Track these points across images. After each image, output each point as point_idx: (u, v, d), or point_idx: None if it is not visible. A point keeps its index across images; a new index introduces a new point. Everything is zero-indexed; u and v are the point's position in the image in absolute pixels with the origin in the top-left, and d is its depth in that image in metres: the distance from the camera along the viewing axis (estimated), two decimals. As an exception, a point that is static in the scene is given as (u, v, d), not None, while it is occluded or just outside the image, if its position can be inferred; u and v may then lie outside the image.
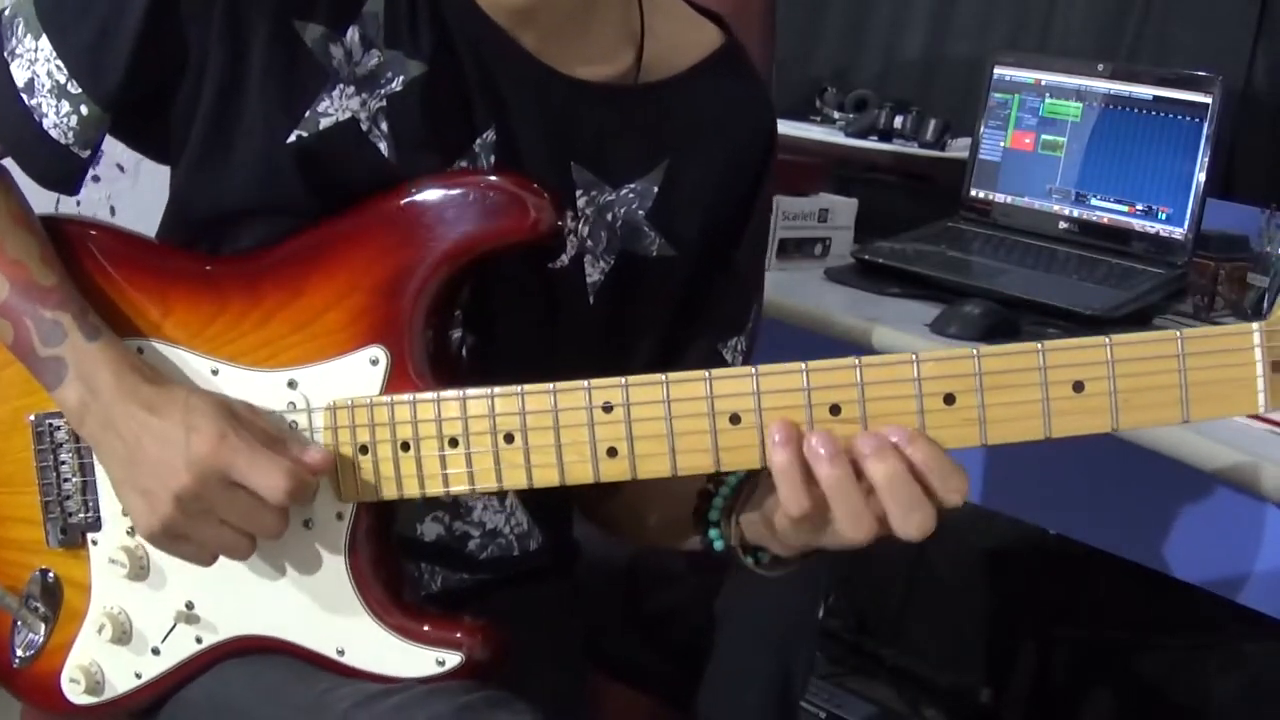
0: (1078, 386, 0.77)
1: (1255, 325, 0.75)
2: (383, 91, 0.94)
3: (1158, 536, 1.51)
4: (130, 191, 1.05)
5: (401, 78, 0.94)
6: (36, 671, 1.02)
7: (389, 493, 0.90)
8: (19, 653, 1.03)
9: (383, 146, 0.94)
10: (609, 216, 1.02)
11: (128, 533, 0.97)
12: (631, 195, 1.03)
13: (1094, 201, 1.79)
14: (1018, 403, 0.78)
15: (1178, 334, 0.76)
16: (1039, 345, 0.78)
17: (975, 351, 0.78)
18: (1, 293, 0.93)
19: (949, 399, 0.79)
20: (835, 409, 0.80)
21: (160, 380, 0.92)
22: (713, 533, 0.92)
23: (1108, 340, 0.77)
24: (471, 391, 0.87)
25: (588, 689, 1.15)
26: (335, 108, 0.93)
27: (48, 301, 0.93)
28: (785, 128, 2.12)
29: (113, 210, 1.06)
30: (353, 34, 0.94)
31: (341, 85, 0.93)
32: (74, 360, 0.91)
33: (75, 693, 1.00)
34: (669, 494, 0.96)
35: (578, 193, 1.01)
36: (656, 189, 1.04)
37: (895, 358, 0.80)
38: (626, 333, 1.05)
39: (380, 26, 0.94)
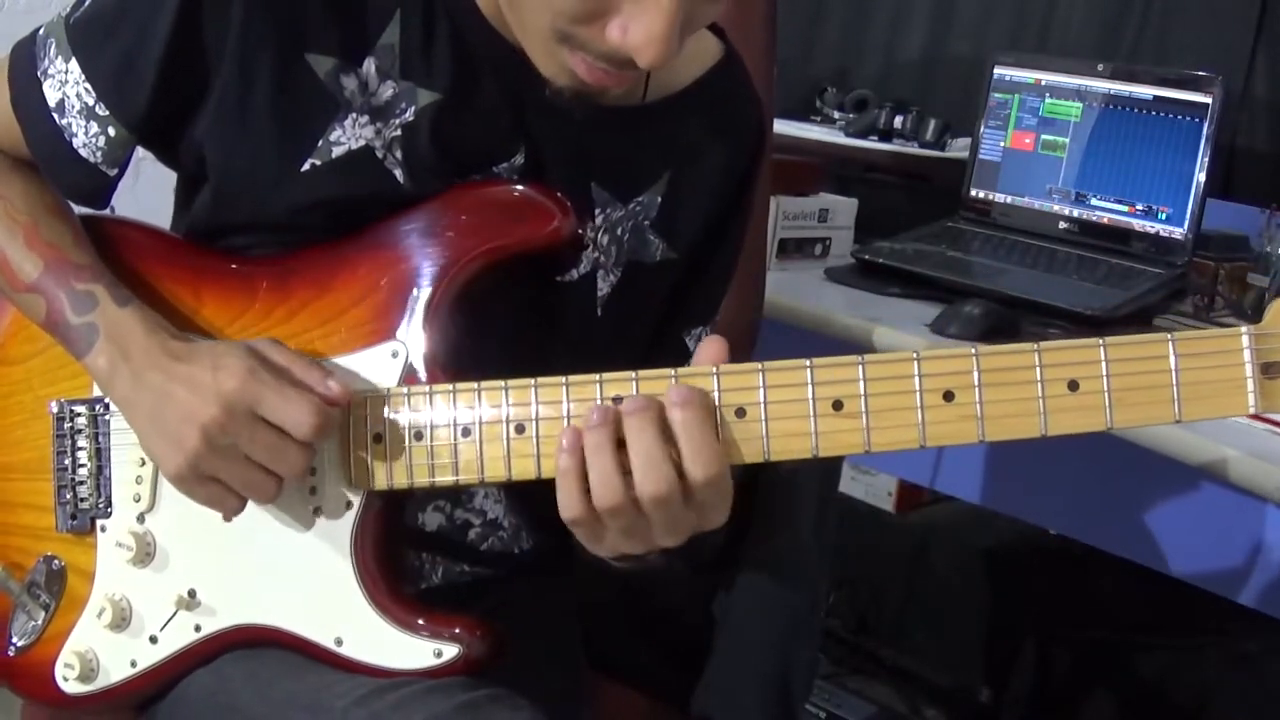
0: (1073, 385, 0.80)
1: (1245, 329, 0.78)
2: (397, 121, 0.97)
3: (1158, 536, 1.51)
4: (130, 192, 1.06)
5: (413, 107, 0.97)
6: (31, 659, 1.03)
7: (400, 480, 0.91)
8: (16, 640, 1.03)
9: (398, 173, 0.97)
10: (619, 231, 1.06)
11: (137, 519, 0.99)
12: (639, 208, 1.06)
13: (1094, 201, 1.79)
14: (1015, 400, 0.81)
15: (1169, 336, 0.79)
16: (1036, 345, 0.80)
17: (974, 350, 0.81)
18: (35, 271, 0.97)
19: (948, 395, 0.81)
20: (838, 404, 0.82)
21: (186, 338, 0.95)
22: None
23: (1101, 341, 0.79)
24: (486, 384, 0.89)
25: (587, 688, 1.15)
26: (348, 136, 0.96)
27: (80, 277, 0.97)
28: (785, 128, 2.13)
29: (112, 210, 1.07)
30: (369, 65, 0.96)
31: (354, 115, 0.96)
32: (105, 325, 0.94)
33: (68, 679, 1.00)
34: None
35: (595, 211, 1.04)
36: (660, 199, 1.07)
37: (897, 355, 0.82)
38: (626, 336, 1.08)
39: (396, 58, 0.96)
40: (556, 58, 0.89)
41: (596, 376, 0.86)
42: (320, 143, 0.96)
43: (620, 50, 0.84)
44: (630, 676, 1.19)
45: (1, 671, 1.05)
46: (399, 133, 0.97)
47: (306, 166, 0.96)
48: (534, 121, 1.00)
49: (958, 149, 2.11)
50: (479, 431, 0.89)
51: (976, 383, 0.80)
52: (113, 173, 1.01)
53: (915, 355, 0.82)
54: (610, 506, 0.82)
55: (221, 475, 0.90)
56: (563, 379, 0.87)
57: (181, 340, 0.94)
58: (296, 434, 0.88)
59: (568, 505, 0.84)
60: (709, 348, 0.85)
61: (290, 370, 0.90)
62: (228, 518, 0.94)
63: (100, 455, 1.00)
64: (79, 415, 1.01)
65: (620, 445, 0.82)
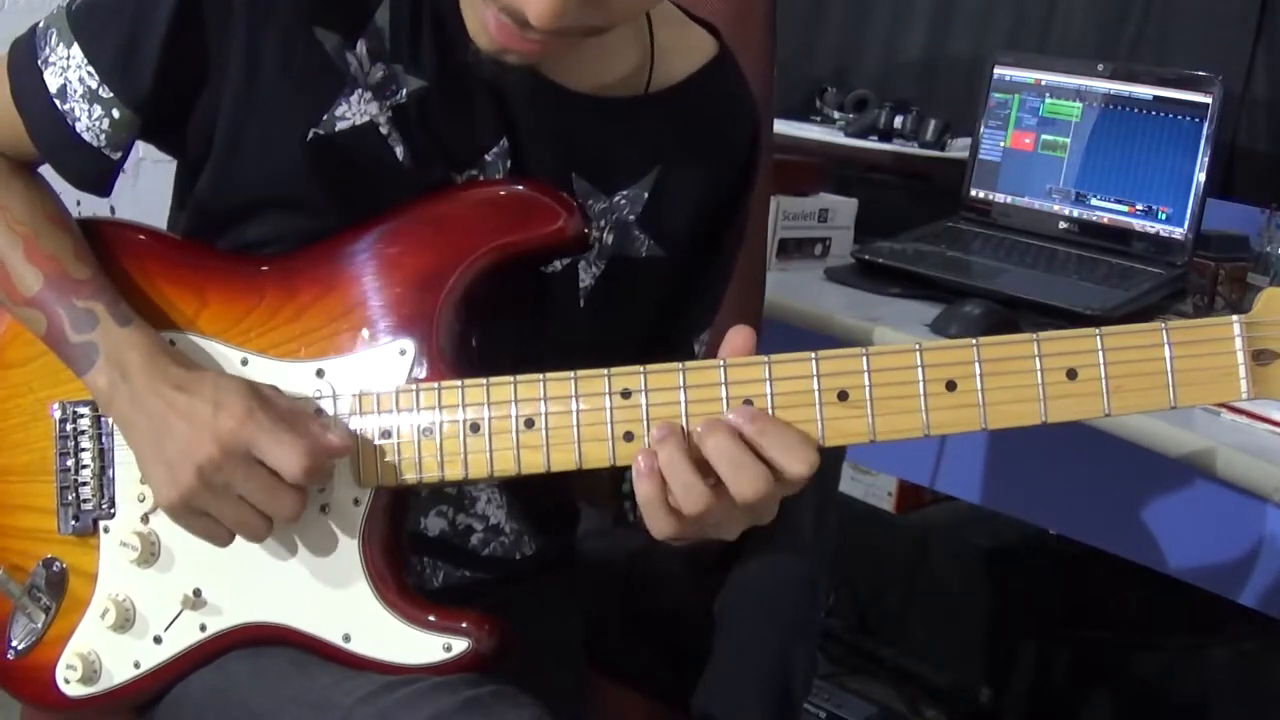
0: (1071, 374, 0.83)
1: (1235, 317, 0.81)
2: (389, 102, 0.97)
3: (1158, 536, 1.51)
4: (130, 191, 1.06)
5: (404, 90, 0.98)
6: (31, 663, 1.02)
7: (409, 476, 0.92)
8: (15, 644, 1.03)
9: (399, 151, 0.98)
10: (601, 222, 1.05)
11: (141, 519, 0.99)
12: (623, 202, 1.06)
13: (1094, 201, 1.79)
14: (1015, 388, 0.84)
15: (1163, 325, 0.82)
16: (1034, 336, 0.83)
17: (975, 341, 0.84)
18: (35, 285, 0.97)
19: (950, 385, 0.84)
20: (843, 395, 0.85)
21: (189, 364, 0.95)
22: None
23: (1098, 331, 0.83)
24: (494, 380, 0.90)
25: (587, 689, 1.15)
26: (354, 111, 0.97)
27: (81, 293, 0.96)
28: (785, 128, 2.13)
29: (112, 210, 1.07)
30: (362, 45, 0.97)
31: (360, 91, 0.97)
32: (105, 345, 0.94)
33: (70, 682, 1.00)
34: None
35: (576, 201, 1.03)
36: (647, 194, 1.07)
37: (900, 346, 0.85)
38: (612, 332, 1.08)
39: (385, 40, 0.97)
40: (479, 12, 0.89)
41: (605, 371, 0.88)
42: (325, 116, 0.96)
43: (517, 3, 0.84)
44: (630, 677, 1.19)
45: (1, 675, 1.05)
46: (392, 113, 0.97)
47: (310, 137, 0.96)
48: (516, 108, 1.00)
49: (958, 149, 2.11)
50: (487, 426, 0.90)
51: (978, 372, 0.83)
52: (116, 156, 1.00)
53: (918, 346, 0.84)
54: (700, 511, 0.84)
55: (213, 511, 0.91)
56: (571, 374, 0.88)
57: (182, 367, 0.93)
58: (287, 477, 0.88)
59: (659, 528, 0.85)
60: (737, 337, 0.86)
61: (291, 417, 0.90)
62: (222, 545, 0.94)
63: (104, 456, 1.00)
64: (82, 417, 1.01)
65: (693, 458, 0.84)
